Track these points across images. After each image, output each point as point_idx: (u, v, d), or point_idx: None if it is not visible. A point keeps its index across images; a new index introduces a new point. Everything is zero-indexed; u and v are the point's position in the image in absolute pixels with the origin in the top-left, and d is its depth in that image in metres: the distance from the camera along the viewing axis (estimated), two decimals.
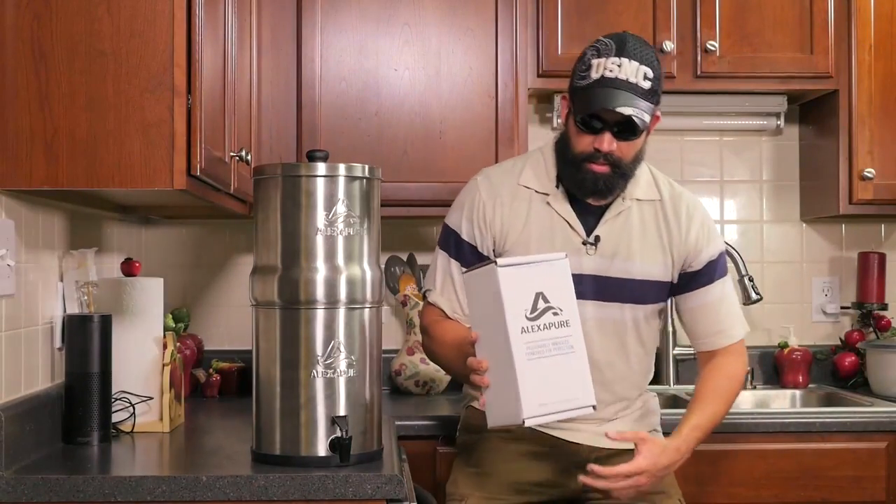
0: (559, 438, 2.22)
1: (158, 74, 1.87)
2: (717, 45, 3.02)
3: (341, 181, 1.88)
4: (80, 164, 1.87)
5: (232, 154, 2.22)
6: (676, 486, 2.29)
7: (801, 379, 3.26)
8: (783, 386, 3.28)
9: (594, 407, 1.89)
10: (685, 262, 2.25)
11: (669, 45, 3.00)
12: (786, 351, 3.28)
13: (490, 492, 2.22)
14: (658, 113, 2.18)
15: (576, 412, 1.89)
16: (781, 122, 3.33)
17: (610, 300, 2.20)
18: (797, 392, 3.25)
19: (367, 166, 1.92)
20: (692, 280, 2.26)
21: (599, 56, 2.10)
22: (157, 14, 1.87)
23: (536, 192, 2.23)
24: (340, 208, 1.87)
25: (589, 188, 2.16)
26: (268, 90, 2.73)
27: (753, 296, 3.20)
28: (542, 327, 1.84)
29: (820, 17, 3.05)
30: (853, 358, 3.28)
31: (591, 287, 2.18)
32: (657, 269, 2.23)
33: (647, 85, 2.08)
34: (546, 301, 1.86)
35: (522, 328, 1.83)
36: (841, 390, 3.21)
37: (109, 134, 1.87)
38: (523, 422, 1.83)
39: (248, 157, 2.28)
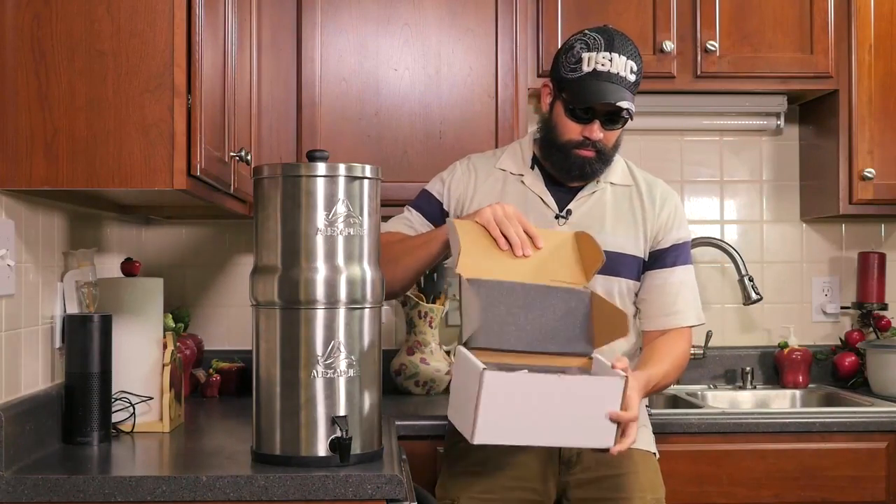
0: None
1: (158, 74, 1.87)
2: (717, 45, 3.02)
3: (341, 181, 1.88)
4: (80, 164, 1.87)
5: (232, 154, 2.21)
6: (657, 486, 2.29)
7: (801, 379, 3.26)
8: (783, 386, 3.28)
9: None
10: (655, 239, 2.32)
11: (669, 45, 3.00)
12: (786, 351, 3.28)
13: (478, 491, 2.23)
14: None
15: None
16: (781, 122, 3.34)
17: None
18: (797, 392, 3.25)
19: (367, 166, 1.92)
20: (656, 259, 2.32)
21: (589, 50, 2.23)
22: (157, 14, 1.87)
23: (511, 173, 2.35)
24: (340, 208, 1.87)
25: (576, 172, 2.28)
26: (268, 90, 2.72)
27: (753, 296, 3.20)
28: None
29: (820, 17, 3.05)
30: (853, 358, 3.29)
31: None
32: (629, 242, 2.30)
33: (632, 78, 2.24)
34: None
35: None
36: (841, 390, 3.21)
37: (109, 134, 1.87)
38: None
39: (248, 157, 2.28)
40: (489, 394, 1.86)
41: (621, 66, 2.20)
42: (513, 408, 1.89)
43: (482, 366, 1.87)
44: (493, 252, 2.11)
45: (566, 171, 2.29)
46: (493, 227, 2.11)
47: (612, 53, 2.20)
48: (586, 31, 2.27)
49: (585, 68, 2.21)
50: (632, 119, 2.28)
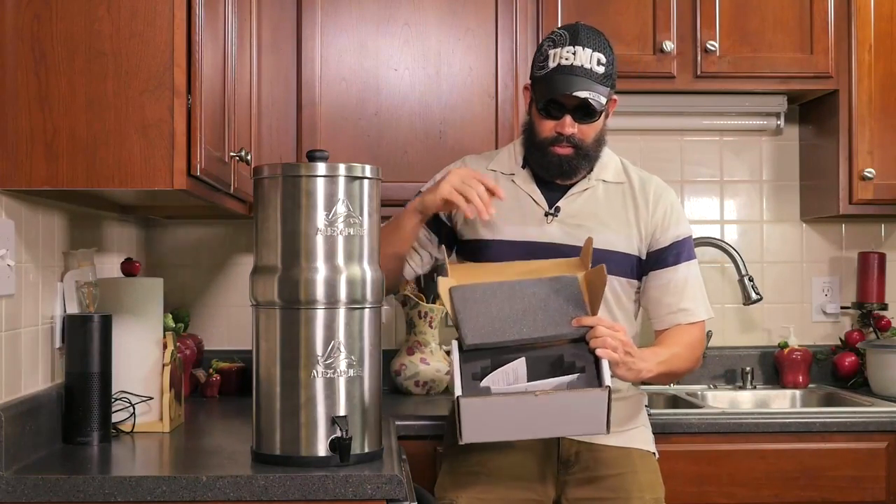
0: None
1: (158, 74, 1.87)
2: (717, 45, 3.02)
3: (341, 181, 1.88)
4: (80, 164, 1.87)
5: (232, 154, 2.22)
6: (657, 486, 2.29)
7: (801, 379, 3.26)
8: (783, 386, 3.28)
9: None
10: (652, 238, 2.32)
11: (669, 45, 3.00)
12: (786, 351, 3.28)
13: (478, 491, 2.23)
14: (615, 97, 2.31)
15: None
16: (781, 122, 3.34)
17: None
18: (797, 392, 3.25)
19: (367, 166, 1.92)
20: (658, 259, 2.32)
21: (555, 46, 2.24)
22: (157, 14, 1.87)
23: (503, 173, 2.37)
24: (340, 208, 1.87)
25: (555, 170, 2.29)
26: (268, 90, 2.73)
27: (753, 296, 3.20)
28: None
29: (820, 17, 3.05)
30: (853, 358, 3.29)
31: (555, 255, 2.24)
32: (622, 240, 2.29)
33: (600, 70, 2.22)
34: None
35: None
36: (841, 390, 3.21)
37: (109, 134, 1.87)
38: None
39: (248, 157, 2.28)
40: (468, 415, 1.92)
41: (586, 58, 2.20)
42: (494, 423, 1.96)
43: (458, 392, 1.92)
44: (480, 272, 2.16)
45: (546, 168, 2.30)
46: (458, 197, 2.18)
47: (576, 47, 2.21)
48: (555, 29, 2.30)
49: (551, 64, 2.23)
50: (608, 113, 2.28)
